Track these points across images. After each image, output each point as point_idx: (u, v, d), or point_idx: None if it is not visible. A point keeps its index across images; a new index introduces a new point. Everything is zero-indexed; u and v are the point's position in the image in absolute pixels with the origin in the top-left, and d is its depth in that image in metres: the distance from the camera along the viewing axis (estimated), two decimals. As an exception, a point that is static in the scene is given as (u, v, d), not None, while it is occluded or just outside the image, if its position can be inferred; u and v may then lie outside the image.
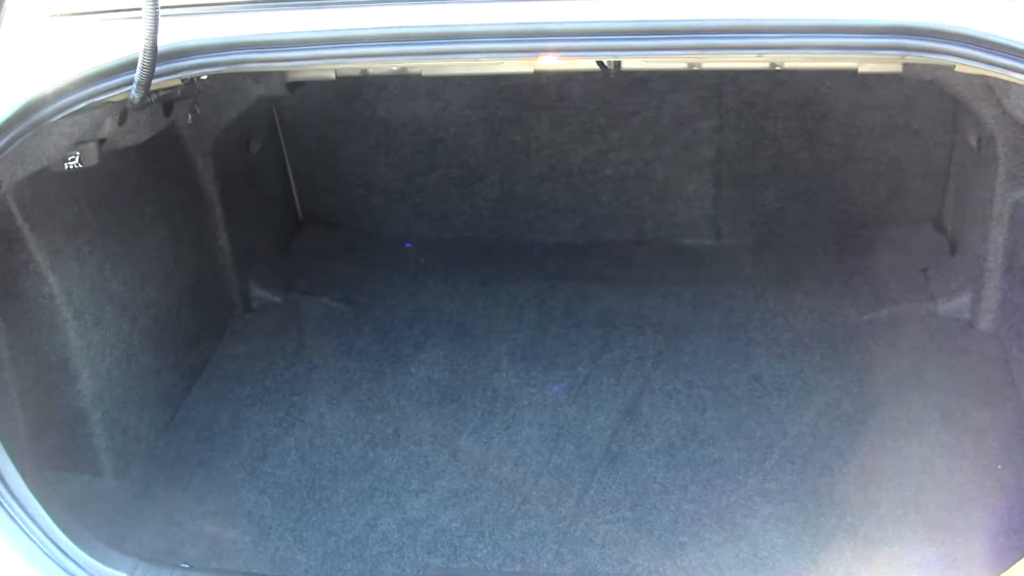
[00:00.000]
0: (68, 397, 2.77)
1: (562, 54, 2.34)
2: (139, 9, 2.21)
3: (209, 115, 3.30)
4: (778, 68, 2.99)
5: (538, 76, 3.42)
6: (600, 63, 2.90)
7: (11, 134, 2.16)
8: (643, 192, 4.06)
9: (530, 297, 3.77)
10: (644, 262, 3.99)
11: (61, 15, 2.60)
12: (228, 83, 3.26)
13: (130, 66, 2.25)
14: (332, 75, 3.18)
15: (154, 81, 2.26)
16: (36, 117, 2.21)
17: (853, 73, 2.97)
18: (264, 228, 3.90)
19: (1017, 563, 1.95)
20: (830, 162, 3.90)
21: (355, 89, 3.90)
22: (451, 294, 3.81)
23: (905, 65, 2.90)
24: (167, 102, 2.85)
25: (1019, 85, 2.34)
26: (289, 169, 4.14)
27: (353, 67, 3.03)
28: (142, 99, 2.28)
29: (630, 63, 3.00)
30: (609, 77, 3.20)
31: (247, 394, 3.29)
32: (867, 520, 2.65)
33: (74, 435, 2.82)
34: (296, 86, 3.36)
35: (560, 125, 3.95)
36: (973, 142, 3.39)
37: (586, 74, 3.52)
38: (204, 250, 3.47)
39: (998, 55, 2.05)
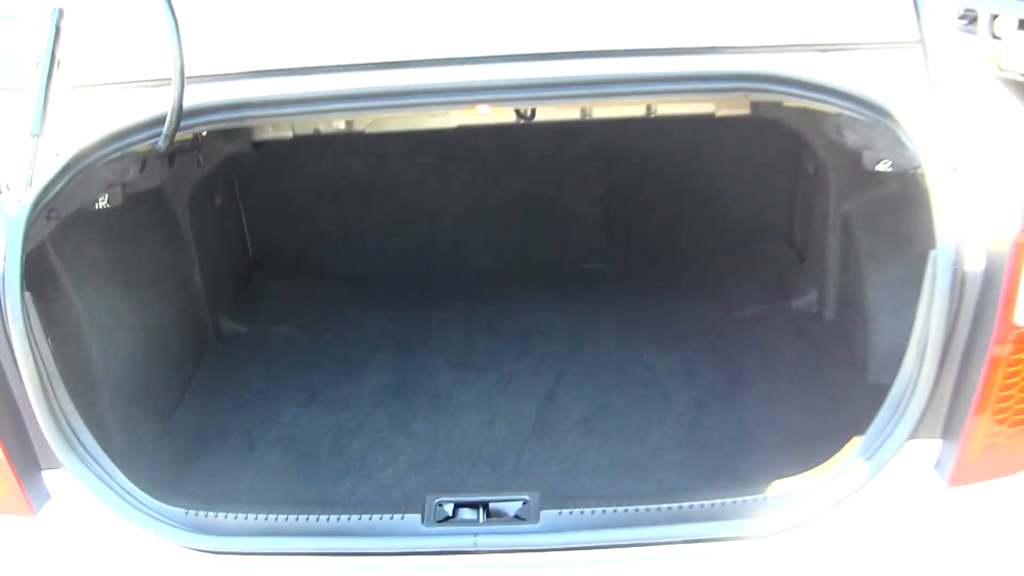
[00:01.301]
0: (90, 403, 3.26)
1: (492, 103, 3.05)
2: (147, 80, 2.87)
3: (187, 171, 3.87)
4: (653, 116, 3.73)
5: (457, 131, 3.97)
6: (518, 112, 3.62)
7: (70, 174, 2.75)
8: (546, 226, 4.73)
9: (458, 317, 4.36)
10: (551, 285, 4.60)
11: (82, 87, 3.22)
12: (203, 143, 3.86)
13: (155, 123, 2.86)
14: (290, 134, 3.80)
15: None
16: (86, 162, 2.79)
17: (712, 117, 3.68)
18: (227, 269, 4.44)
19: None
20: (699, 192, 4.61)
21: (305, 147, 4.47)
22: (391, 319, 4.37)
23: (752, 106, 3.63)
24: (172, 154, 3.45)
25: (831, 114, 3.16)
26: (243, 219, 4.71)
27: (310, 125, 3.66)
28: (167, 148, 2.89)
29: (541, 113, 3.71)
30: (526, 125, 3.86)
31: (229, 405, 3.80)
32: (747, 460, 3.26)
33: (95, 436, 3.32)
34: (259, 145, 3.98)
35: (477, 172, 4.59)
36: (811, 169, 4.13)
37: (497, 127, 4.05)
38: (183, 285, 3.99)
39: (810, 91, 2.85)
